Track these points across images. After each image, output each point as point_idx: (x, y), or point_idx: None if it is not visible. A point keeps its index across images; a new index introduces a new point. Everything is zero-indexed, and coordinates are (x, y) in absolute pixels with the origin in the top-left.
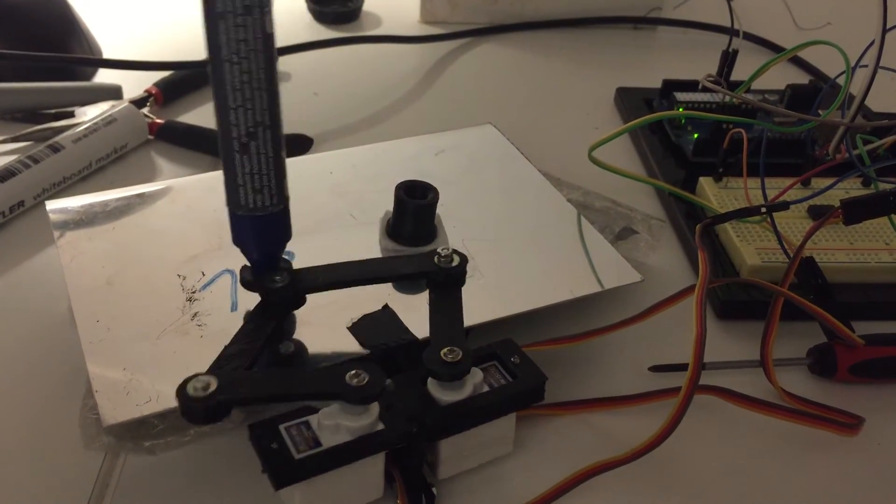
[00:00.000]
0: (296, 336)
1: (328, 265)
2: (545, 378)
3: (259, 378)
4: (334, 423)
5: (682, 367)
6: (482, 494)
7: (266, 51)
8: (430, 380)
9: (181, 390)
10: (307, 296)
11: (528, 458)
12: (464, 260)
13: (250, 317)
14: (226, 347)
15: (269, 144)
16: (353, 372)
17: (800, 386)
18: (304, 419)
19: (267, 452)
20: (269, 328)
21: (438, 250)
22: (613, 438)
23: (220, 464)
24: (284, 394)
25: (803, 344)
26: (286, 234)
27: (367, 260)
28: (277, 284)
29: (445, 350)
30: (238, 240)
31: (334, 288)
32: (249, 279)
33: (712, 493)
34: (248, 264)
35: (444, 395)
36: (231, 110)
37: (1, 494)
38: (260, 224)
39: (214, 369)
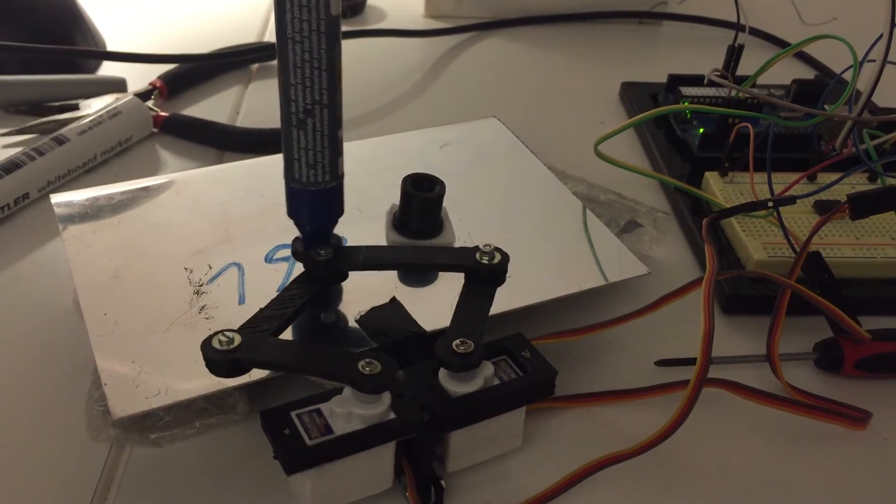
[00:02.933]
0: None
1: (372, 247)
2: (556, 372)
3: (280, 346)
4: (346, 411)
5: (687, 362)
6: (489, 487)
7: (328, 33)
8: (441, 371)
9: (207, 343)
10: (350, 273)
11: (535, 450)
12: (505, 258)
13: (293, 283)
14: (261, 310)
15: (326, 123)
16: (366, 360)
17: (805, 381)
18: (315, 407)
19: (279, 438)
20: (306, 297)
21: (481, 247)
22: (620, 432)
23: (226, 456)
24: (298, 367)
25: (809, 339)
26: (337, 210)
27: (409, 246)
28: (321, 258)
29: (458, 341)
30: (292, 212)
31: (375, 269)
32: (299, 250)
33: (718, 486)
34: (300, 236)
35: (455, 386)
36: (291, 86)
37: (7, 487)
38: (312, 198)
39: (246, 328)
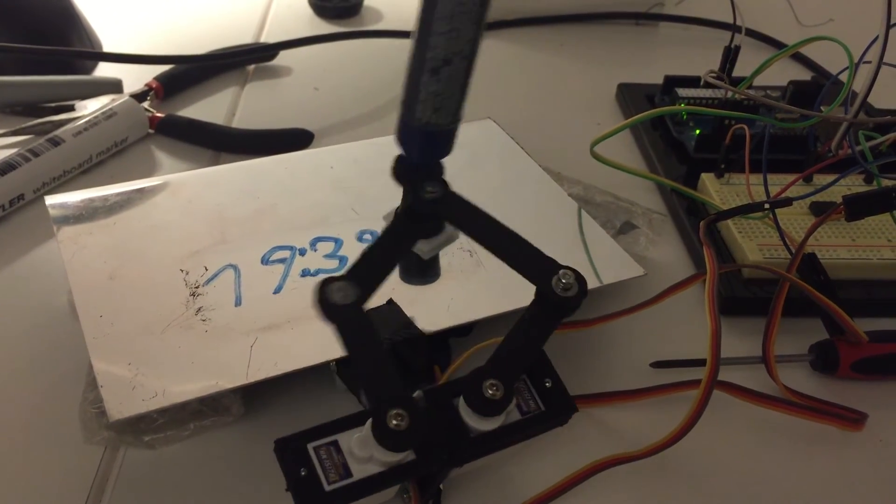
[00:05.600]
0: None
1: (472, 208)
2: (576, 409)
3: (367, 331)
4: (368, 455)
5: (683, 363)
6: (488, 489)
7: None
8: (462, 402)
9: (323, 287)
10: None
11: (534, 452)
12: (583, 290)
13: (392, 223)
14: (371, 248)
15: (462, 73)
16: (395, 412)
17: (801, 382)
18: (332, 438)
19: (296, 479)
20: (410, 242)
21: (559, 273)
22: (618, 433)
23: (219, 458)
24: (356, 362)
25: (804, 341)
26: (450, 148)
27: (504, 228)
28: (429, 195)
29: (489, 383)
30: (403, 142)
31: (464, 231)
32: (402, 174)
33: (714, 486)
34: (403, 156)
35: (477, 423)
36: (434, 35)
37: (2, 489)
38: (429, 136)
39: (354, 271)
